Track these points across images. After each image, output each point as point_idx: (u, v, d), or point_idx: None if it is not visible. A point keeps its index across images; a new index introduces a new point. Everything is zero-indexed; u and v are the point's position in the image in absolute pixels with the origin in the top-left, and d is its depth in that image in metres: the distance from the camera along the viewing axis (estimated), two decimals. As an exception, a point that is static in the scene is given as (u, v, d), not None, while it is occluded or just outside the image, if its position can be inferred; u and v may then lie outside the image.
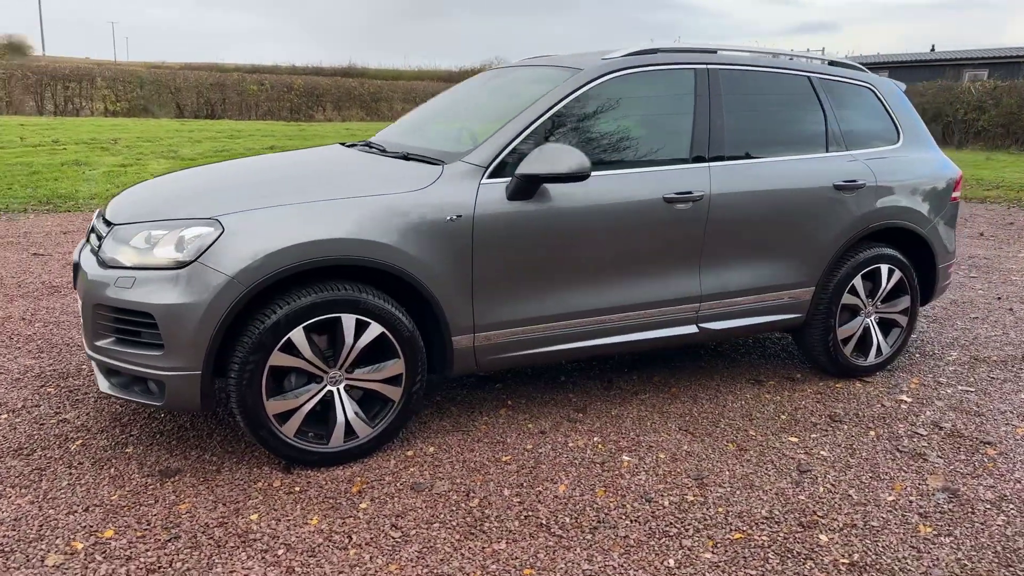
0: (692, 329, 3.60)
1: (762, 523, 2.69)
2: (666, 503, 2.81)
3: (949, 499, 2.89)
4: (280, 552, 2.44)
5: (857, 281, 3.95)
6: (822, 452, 3.25)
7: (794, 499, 2.86)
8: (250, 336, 2.75)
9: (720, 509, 2.77)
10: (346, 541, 2.50)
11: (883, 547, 2.57)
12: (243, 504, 2.71)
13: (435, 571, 2.37)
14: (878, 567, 2.47)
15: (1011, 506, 2.86)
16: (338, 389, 2.95)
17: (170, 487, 2.80)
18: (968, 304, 5.73)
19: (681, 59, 3.60)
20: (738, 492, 2.90)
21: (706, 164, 3.52)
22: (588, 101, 3.39)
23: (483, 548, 2.49)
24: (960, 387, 4.05)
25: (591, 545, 2.53)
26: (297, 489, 2.82)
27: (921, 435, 3.45)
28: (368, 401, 3.05)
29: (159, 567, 2.34)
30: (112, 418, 3.35)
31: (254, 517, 2.63)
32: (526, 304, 3.22)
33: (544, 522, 2.66)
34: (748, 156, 3.68)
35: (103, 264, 2.89)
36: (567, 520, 2.68)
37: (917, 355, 4.57)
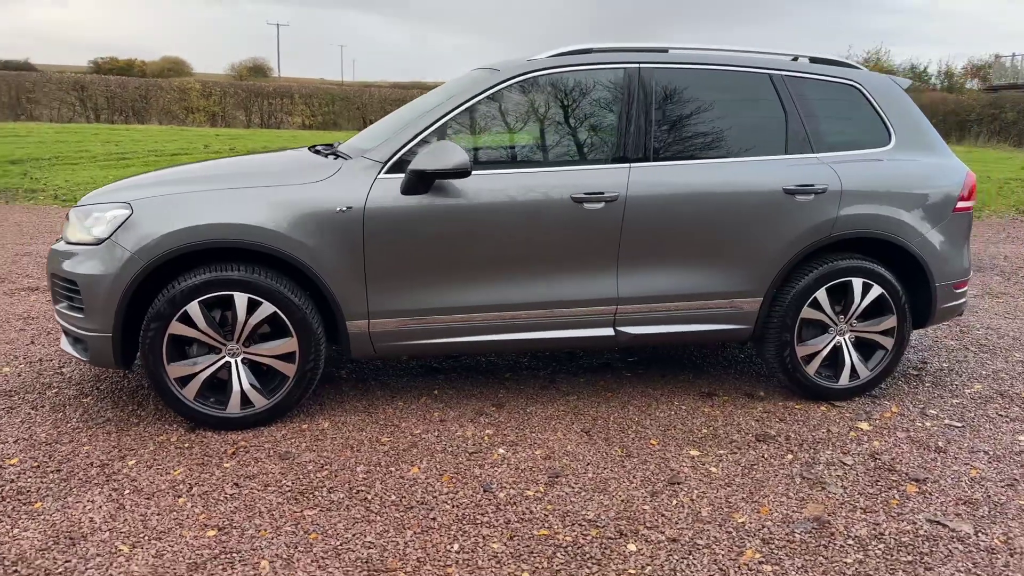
0: (608, 332, 3.52)
1: (579, 525, 2.63)
2: (501, 495, 2.82)
3: (810, 530, 2.63)
4: (126, 492, 2.78)
5: (821, 295, 3.63)
6: (712, 468, 3.07)
7: (636, 508, 2.75)
8: (152, 306, 3.15)
9: (549, 507, 2.74)
10: (183, 490, 2.80)
11: (686, 565, 2.42)
12: (134, 452, 3.10)
13: (235, 525, 2.59)
14: (663, 582, 2.34)
15: (879, 545, 2.55)
16: (236, 361, 3.27)
17: (91, 432, 3.27)
18: (1051, 336, 4.96)
19: (612, 59, 3.54)
20: (583, 494, 2.84)
21: (626, 165, 3.44)
22: (501, 101, 3.46)
23: (293, 512, 2.68)
24: (947, 421, 3.59)
25: (393, 522, 2.63)
26: (186, 445, 3.17)
27: (844, 464, 3.13)
28: (269, 375, 3.34)
29: (27, 491, 2.78)
30: (94, 374, 3.92)
31: (132, 463, 3.01)
32: (424, 295, 3.35)
33: (369, 497, 2.79)
34: (682, 157, 3.54)
35: (62, 240, 3.43)
36: (392, 498, 2.78)
37: (928, 383, 4.08)
